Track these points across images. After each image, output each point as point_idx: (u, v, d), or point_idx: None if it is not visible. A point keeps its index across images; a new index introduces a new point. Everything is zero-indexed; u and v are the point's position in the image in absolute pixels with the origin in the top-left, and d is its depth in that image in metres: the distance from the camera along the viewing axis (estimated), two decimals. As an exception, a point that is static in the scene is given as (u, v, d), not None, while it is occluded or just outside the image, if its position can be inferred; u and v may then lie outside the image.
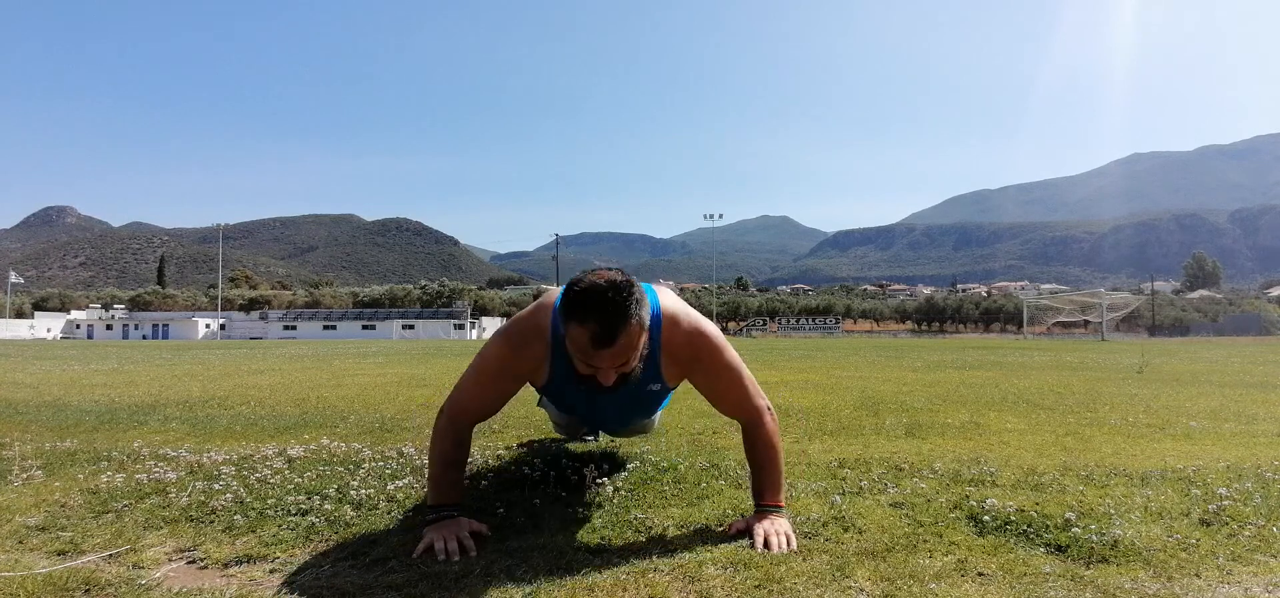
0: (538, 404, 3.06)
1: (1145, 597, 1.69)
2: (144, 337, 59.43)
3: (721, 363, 2.22)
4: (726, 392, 2.27)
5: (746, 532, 2.08)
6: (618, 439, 3.47)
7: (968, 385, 7.35)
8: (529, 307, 2.27)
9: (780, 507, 2.17)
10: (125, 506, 2.44)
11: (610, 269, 1.99)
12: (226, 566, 1.93)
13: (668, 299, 2.23)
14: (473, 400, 2.23)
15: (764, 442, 2.23)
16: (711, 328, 2.24)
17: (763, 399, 2.27)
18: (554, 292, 2.21)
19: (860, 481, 2.73)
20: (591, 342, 1.87)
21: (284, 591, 1.74)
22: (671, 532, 2.15)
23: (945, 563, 1.88)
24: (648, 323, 1.99)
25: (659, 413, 2.90)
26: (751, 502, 2.30)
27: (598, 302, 1.86)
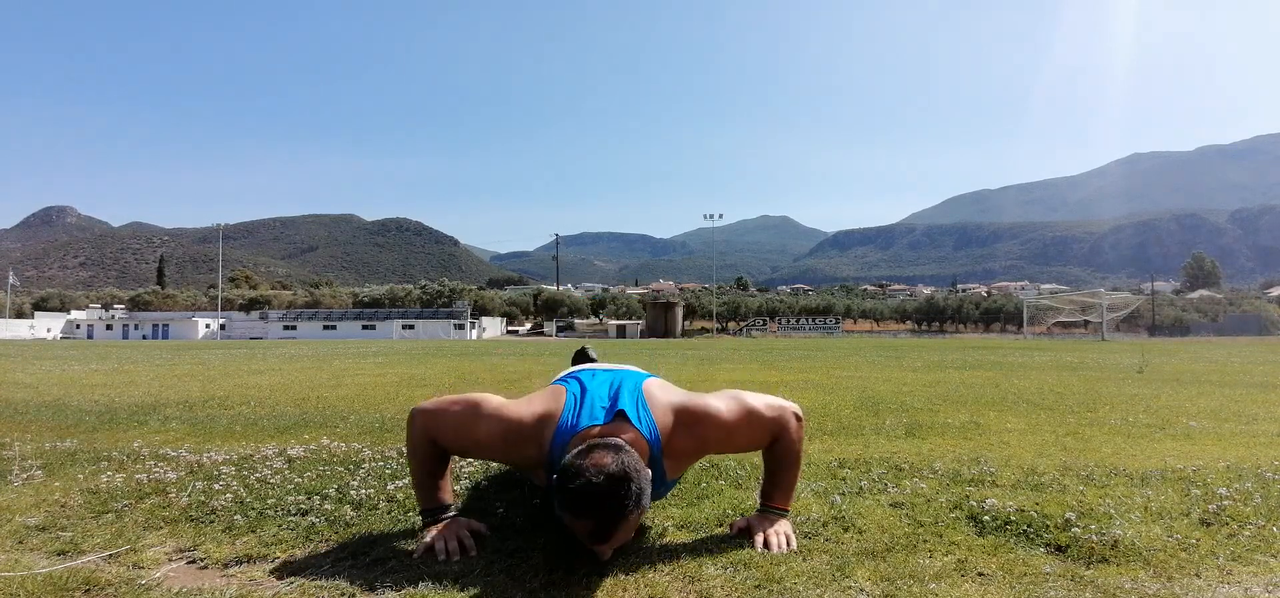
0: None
1: (1145, 597, 1.69)
2: (144, 337, 59.43)
3: (729, 425, 2.10)
4: (746, 439, 2.18)
5: (747, 531, 2.08)
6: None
7: (968, 385, 7.35)
8: (537, 403, 2.09)
9: (785, 510, 2.16)
10: (125, 506, 2.44)
11: (608, 445, 1.83)
12: (226, 566, 1.93)
13: (659, 405, 2.08)
14: (450, 438, 2.11)
15: (786, 447, 2.16)
16: (703, 403, 2.11)
17: (786, 408, 2.18)
18: (560, 403, 2.06)
19: (860, 481, 2.73)
20: (588, 537, 1.80)
21: (284, 591, 1.74)
22: (671, 532, 2.15)
23: (945, 563, 1.88)
24: (647, 503, 1.87)
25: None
26: (754, 501, 2.29)
27: (594, 504, 1.75)
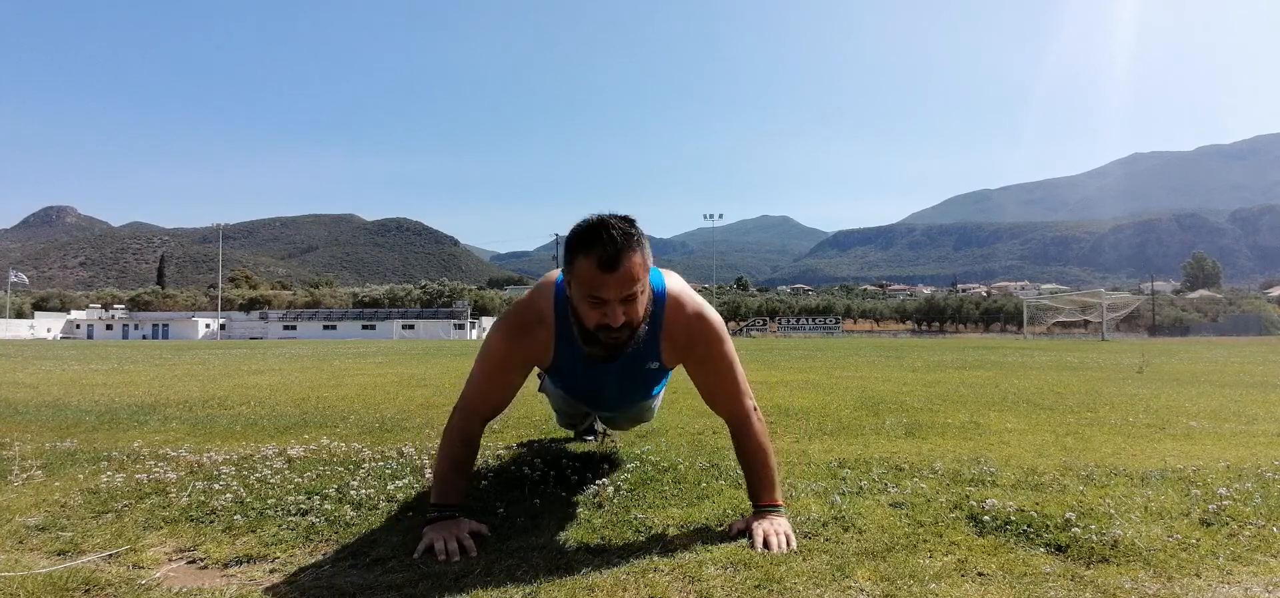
0: (538, 390, 3.05)
1: (1145, 597, 1.69)
2: (144, 337, 59.44)
3: (719, 354, 2.20)
4: (719, 385, 2.25)
5: (746, 532, 2.08)
6: (618, 437, 3.47)
7: (968, 385, 7.35)
8: (528, 291, 2.26)
9: (779, 506, 2.16)
10: (125, 506, 2.44)
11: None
12: (226, 566, 1.93)
13: (674, 281, 2.21)
14: (482, 400, 2.21)
15: (753, 443, 2.22)
16: (715, 316, 2.22)
17: (751, 400, 2.26)
18: (553, 275, 2.20)
19: (860, 481, 2.73)
20: (597, 266, 1.87)
21: (284, 591, 1.74)
22: (671, 532, 2.15)
23: (945, 563, 1.88)
24: (650, 263, 1.99)
25: (658, 398, 2.86)
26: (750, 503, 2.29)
27: (601, 229, 1.88)
